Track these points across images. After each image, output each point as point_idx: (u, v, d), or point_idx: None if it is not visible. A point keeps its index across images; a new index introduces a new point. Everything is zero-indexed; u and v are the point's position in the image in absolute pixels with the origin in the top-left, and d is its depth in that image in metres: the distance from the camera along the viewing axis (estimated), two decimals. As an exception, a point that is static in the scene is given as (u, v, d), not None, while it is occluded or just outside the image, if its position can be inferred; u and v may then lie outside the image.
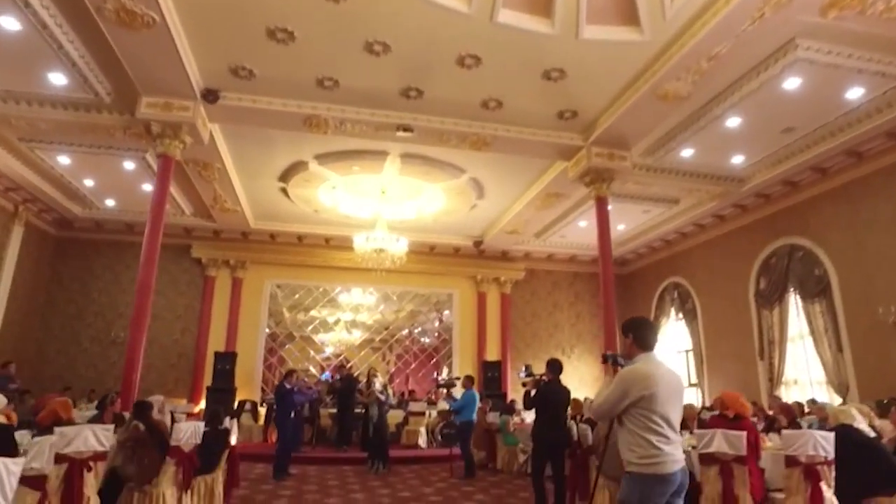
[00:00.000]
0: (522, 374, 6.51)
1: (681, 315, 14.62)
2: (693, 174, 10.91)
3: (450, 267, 15.75)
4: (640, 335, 3.11)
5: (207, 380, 12.62)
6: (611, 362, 3.35)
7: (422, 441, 12.11)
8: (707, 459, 4.89)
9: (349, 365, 15.60)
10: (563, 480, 6.02)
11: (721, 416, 5.22)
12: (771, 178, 10.63)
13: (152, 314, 14.19)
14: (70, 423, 4.59)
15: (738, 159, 10.31)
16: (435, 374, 17.39)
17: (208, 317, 13.85)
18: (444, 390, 10.60)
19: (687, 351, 14.32)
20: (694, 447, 5.03)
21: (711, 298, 13.51)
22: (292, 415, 8.89)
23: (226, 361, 12.37)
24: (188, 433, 5.07)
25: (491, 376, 14.06)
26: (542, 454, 6.01)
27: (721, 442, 4.82)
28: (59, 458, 3.98)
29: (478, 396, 9.15)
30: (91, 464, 4.24)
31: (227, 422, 5.94)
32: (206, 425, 5.72)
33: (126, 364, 8.08)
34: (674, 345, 14.90)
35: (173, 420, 6.74)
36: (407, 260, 14.81)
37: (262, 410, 12.78)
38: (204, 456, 5.40)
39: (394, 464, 9.93)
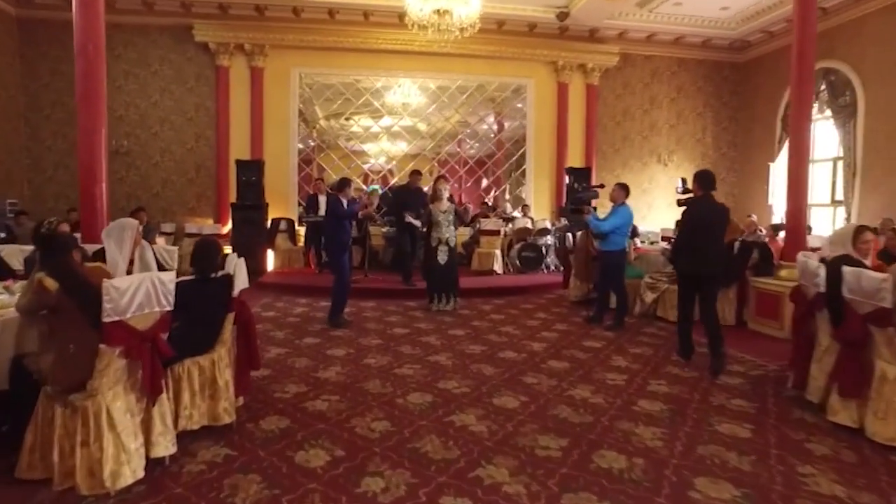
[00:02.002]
0: (679, 189, 5.43)
1: (829, 112, 11.10)
2: None
3: (524, 49, 12.18)
4: None
5: (233, 196, 10.35)
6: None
7: (497, 266, 9.95)
8: None
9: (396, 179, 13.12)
10: (716, 322, 4.82)
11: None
12: None
13: (158, 117, 11.86)
14: None
15: None
16: (494, 191, 14.75)
17: (226, 118, 11.16)
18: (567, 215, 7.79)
19: (835, 160, 11.07)
20: None
21: (883, 90, 9.88)
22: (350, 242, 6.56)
23: (251, 171, 9.95)
24: (141, 288, 2.65)
25: (576, 187, 11.33)
26: (689, 289, 4.94)
27: None
28: None
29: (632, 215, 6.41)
30: None
31: (231, 263, 3.47)
32: (193, 272, 3.32)
33: (81, 170, 5.67)
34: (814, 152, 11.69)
35: (159, 265, 4.43)
36: (469, 39, 11.37)
37: (302, 231, 10.68)
38: (186, 330, 3.08)
39: (466, 295, 7.85)
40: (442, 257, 6.99)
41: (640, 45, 12.92)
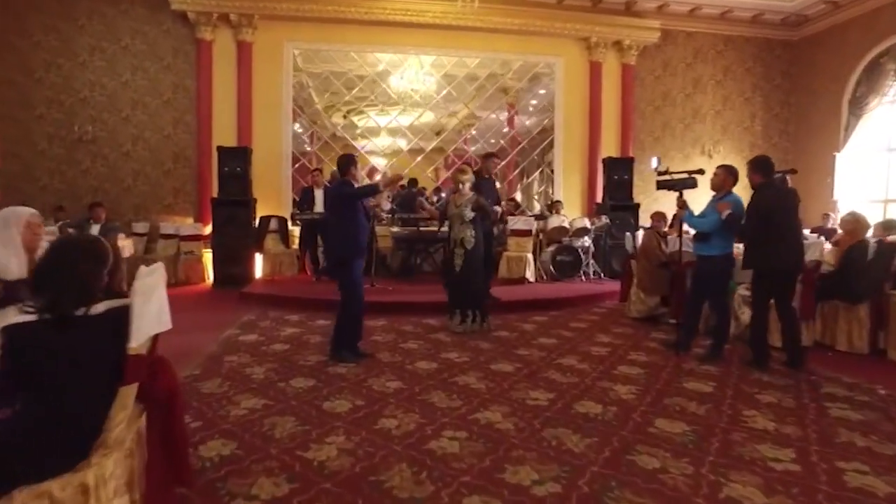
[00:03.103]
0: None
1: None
2: None
3: (552, 23, 10.61)
4: None
5: (215, 190, 8.74)
6: None
7: (529, 273, 8.36)
8: None
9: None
10: (795, 321, 4.46)
11: None
12: None
13: (129, 99, 9.55)
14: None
15: None
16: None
17: (209, 100, 9.58)
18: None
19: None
20: None
21: None
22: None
23: (236, 161, 8.35)
24: None
25: (617, 180, 9.74)
26: (767, 289, 4.45)
27: None
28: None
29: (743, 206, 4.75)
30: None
31: (140, 284, 1.83)
32: (34, 306, 1.69)
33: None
34: (879, 140, 10.17)
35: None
36: (489, 9, 9.84)
37: (296, 231, 9.09)
38: (24, 423, 1.48)
39: (499, 310, 6.28)
40: (457, 262, 5.44)
41: (681, 21, 11.36)
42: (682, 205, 4.81)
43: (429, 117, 12.13)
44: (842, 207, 10.29)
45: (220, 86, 9.60)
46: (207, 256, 8.86)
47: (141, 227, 9.22)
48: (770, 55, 12.00)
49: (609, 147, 10.95)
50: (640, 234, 6.70)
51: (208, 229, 9.02)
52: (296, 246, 9.25)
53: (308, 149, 12.54)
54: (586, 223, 9.06)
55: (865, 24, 10.46)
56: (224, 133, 9.41)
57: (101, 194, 9.21)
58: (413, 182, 9.81)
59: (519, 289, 7.86)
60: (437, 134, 12.55)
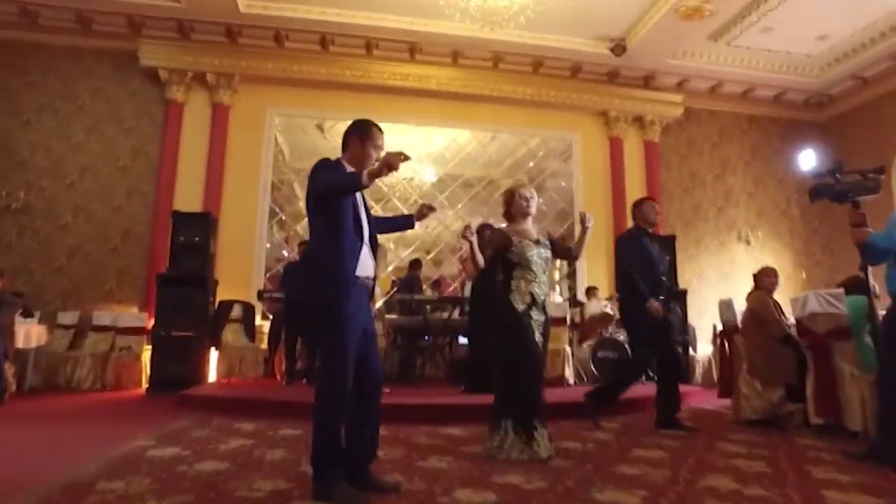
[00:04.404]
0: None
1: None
2: None
3: (568, 94, 9.62)
4: None
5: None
6: None
7: (569, 371, 6.42)
8: None
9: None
10: None
11: None
12: None
13: (78, 164, 7.76)
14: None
15: None
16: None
17: (172, 168, 8.06)
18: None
19: None
20: None
21: None
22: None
23: (195, 228, 6.63)
24: None
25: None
26: None
27: None
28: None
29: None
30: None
31: None
32: None
33: None
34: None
35: None
36: (499, 77, 8.85)
37: (266, 325, 7.17)
38: None
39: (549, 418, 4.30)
40: (539, 336, 3.37)
41: (703, 99, 10.52)
42: (859, 221, 3.13)
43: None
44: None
45: (189, 152, 8.16)
46: (149, 354, 6.83)
47: (69, 317, 7.26)
48: (797, 135, 11.09)
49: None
50: (729, 301, 4.93)
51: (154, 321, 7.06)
52: (265, 343, 7.29)
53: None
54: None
55: (903, 100, 9.63)
56: (188, 203, 7.78)
57: (23, 276, 7.35)
58: (415, 264, 8.11)
59: (560, 392, 5.89)
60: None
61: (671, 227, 9.91)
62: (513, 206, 3.53)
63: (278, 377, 6.98)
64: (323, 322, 2.45)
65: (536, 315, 3.35)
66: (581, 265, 9.59)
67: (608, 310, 7.09)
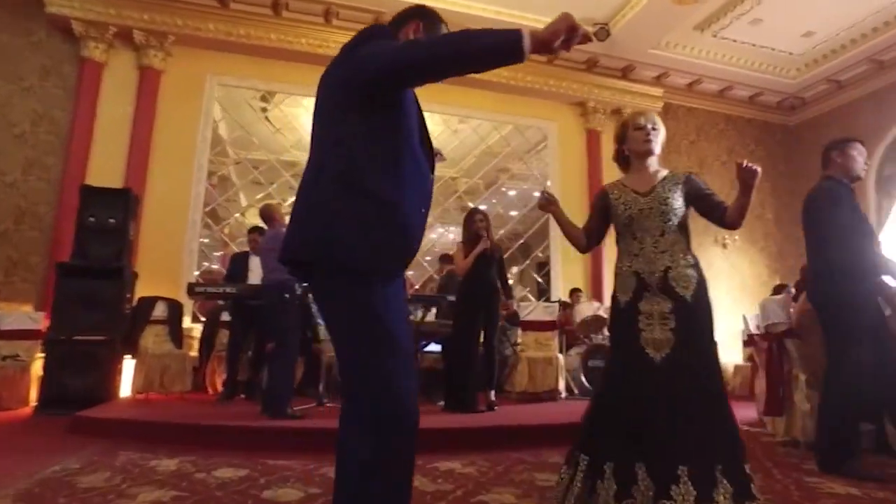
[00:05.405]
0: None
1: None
2: None
3: (546, 80, 8.86)
4: None
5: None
6: None
7: (562, 384, 5.53)
8: None
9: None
10: None
11: None
12: None
13: None
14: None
15: None
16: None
17: (86, 138, 6.69)
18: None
19: None
20: None
21: None
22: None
23: (109, 207, 5.31)
24: None
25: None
26: None
27: None
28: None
29: None
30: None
31: None
32: None
33: None
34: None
35: None
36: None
37: (197, 328, 5.94)
38: None
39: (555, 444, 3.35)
40: (662, 335, 2.08)
41: (681, 95, 10.06)
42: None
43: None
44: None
45: (108, 121, 6.81)
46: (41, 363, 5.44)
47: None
48: (771, 139, 10.82)
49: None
50: (781, 299, 4.17)
51: (55, 320, 5.66)
52: (195, 350, 6.07)
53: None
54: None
55: (880, 100, 9.42)
56: (104, 180, 6.39)
57: None
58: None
59: (551, 407, 4.99)
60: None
61: (650, 227, 9.29)
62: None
63: (210, 391, 5.82)
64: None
65: (663, 304, 2.17)
66: (555, 268, 8.84)
67: (601, 312, 6.26)
